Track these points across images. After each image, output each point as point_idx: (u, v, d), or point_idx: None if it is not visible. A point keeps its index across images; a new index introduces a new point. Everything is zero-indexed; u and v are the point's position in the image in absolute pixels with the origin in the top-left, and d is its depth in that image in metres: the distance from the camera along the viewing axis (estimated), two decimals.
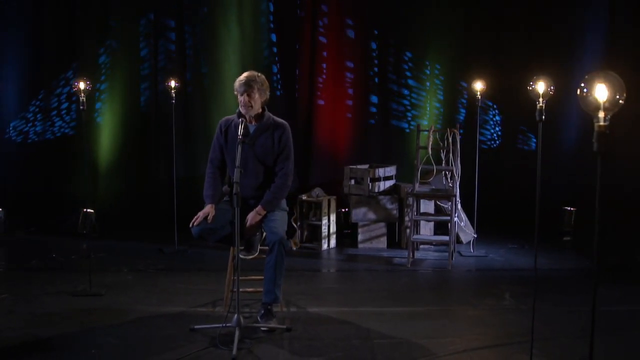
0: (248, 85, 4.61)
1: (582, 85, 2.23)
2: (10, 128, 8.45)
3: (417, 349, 4.20)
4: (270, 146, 4.71)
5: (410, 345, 4.26)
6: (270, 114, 4.78)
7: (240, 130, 4.40)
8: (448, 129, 6.96)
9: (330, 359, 4.02)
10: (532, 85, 3.75)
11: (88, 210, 7.79)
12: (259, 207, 4.67)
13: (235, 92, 4.68)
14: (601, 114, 2.18)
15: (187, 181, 7.98)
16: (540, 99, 3.72)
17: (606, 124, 2.20)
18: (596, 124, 2.21)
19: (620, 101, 2.17)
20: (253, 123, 4.73)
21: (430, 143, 6.91)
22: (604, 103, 2.16)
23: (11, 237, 7.71)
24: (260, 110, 4.73)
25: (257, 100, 4.67)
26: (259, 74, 4.73)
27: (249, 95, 4.62)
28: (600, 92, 2.17)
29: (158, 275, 6.16)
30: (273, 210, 4.70)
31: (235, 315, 4.20)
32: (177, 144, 7.72)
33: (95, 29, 8.42)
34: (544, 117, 3.70)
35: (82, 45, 8.40)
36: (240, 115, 4.69)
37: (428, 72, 8.58)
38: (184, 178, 7.97)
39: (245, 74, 4.69)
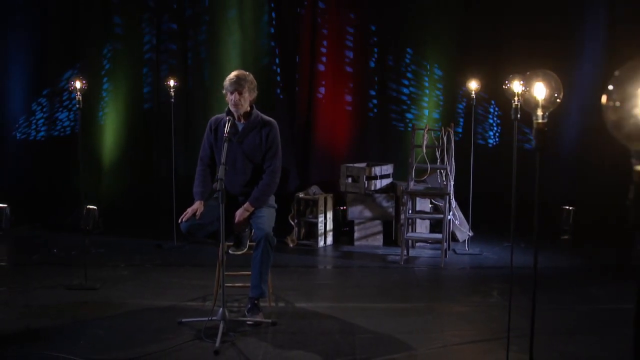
0: (238, 83, 4.71)
1: (522, 83, 2.29)
2: (16, 126, 8.61)
3: (398, 344, 4.27)
4: (258, 144, 4.80)
5: (391, 340, 4.34)
6: (259, 112, 4.87)
7: (226, 129, 4.51)
8: (443, 128, 7.01)
9: (310, 353, 4.11)
10: (507, 84, 3.79)
11: (91, 206, 7.96)
12: (246, 204, 4.76)
13: (225, 91, 4.78)
14: (539, 112, 2.24)
15: (188, 179, 8.08)
16: (516, 98, 3.76)
17: (544, 121, 2.25)
18: (535, 122, 2.27)
19: (558, 100, 2.23)
20: (242, 121, 4.82)
21: (425, 142, 6.97)
22: (542, 101, 2.22)
23: (15, 232, 7.87)
24: (249, 108, 4.83)
25: (247, 98, 4.76)
26: (248, 73, 4.83)
27: (239, 94, 4.71)
28: (539, 90, 2.23)
29: (154, 270, 6.29)
30: (260, 206, 4.79)
31: (221, 309, 4.31)
32: (179, 143, 7.87)
33: (98, 29, 8.56)
34: (519, 115, 3.74)
35: (86, 45, 8.54)
36: (229, 113, 4.79)
37: (427, 70, 8.62)
38: (185, 176, 8.07)
39: (234, 73, 4.79)
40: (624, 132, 1.27)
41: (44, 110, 8.65)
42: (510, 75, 3.87)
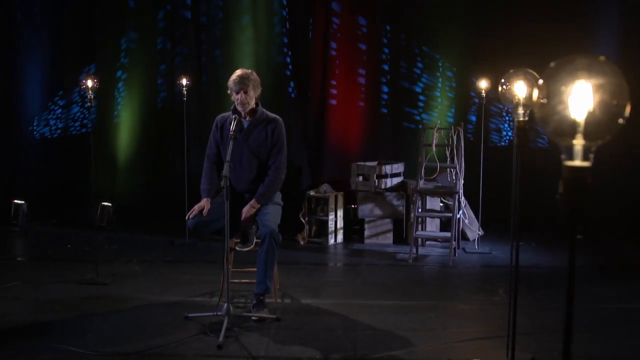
0: (243, 83, 4.79)
1: (503, 81, 2.31)
2: (34, 124, 8.79)
3: (399, 340, 4.31)
4: (264, 140, 4.87)
5: (392, 336, 4.38)
6: (264, 109, 4.94)
7: (232, 127, 4.59)
8: (453, 127, 7.03)
9: (311, 348, 4.16)
10: (505, 85, 3.69)
11: (105, 203, 8.11)
12: (252, 201, 4.83)
13: (230, 91, 4.86)
14: (520, 110, 2.26)
15: (200, 177, 8.18)
16: (516, 98, 3.76)
17: (525, 119, 2.27)
18: (516, 120, 2.29)
19: None
20: (247, 118, 4.90)
21: (435, 141, 6.99)
22: (523, 100, 2.24)
23: (32, 228, 8.04)
24: (254, 105, 4.90)
25: (252, 96, 4.84)
26: (252, 71, 4.90)
27: (245, 92, 4.79)
28: (519, 89, 2.25)
29: (165, 266, 6.38)
30: (266, 203, 4.85)
31: (225, 304, 4.38)
32: (192, 141, 7.97)
33: (114, 28, 8.72)
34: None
35: (101, 45, 8.70)
36: (235, 111, 4.87)
37: (440, 69, 8.63)
38: (198, 174, 8.16)
39: (238, 73, 4.85)
40: (549, 128, 1.30)
41: (61, 108, 8.81)
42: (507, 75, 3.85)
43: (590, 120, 1.26)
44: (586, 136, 1.27)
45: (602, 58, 1.27)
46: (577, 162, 1.29)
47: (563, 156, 1.28)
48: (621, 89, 1.24)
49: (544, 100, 1.26)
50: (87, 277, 5.73)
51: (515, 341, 3.58)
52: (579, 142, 1.27)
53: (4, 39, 8.66)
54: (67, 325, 4.56)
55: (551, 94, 1.27)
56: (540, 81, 1.28)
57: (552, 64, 1.30)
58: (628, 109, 1.27)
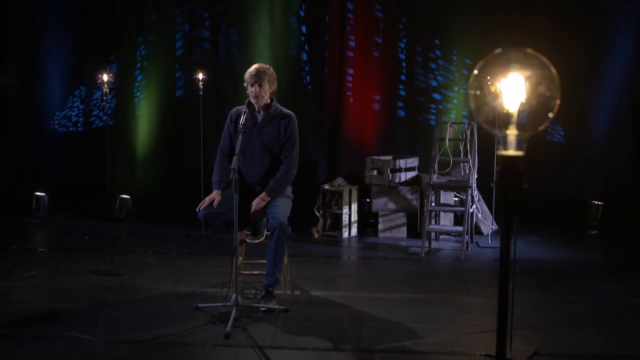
0: (258, 76, 4.86)
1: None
2: (55, 118, 8.95)
3: (404, 332, 4.34)
4: (277, 135, 4.93)
5: (399, 328, 4.41)
6: (278, 105, 5.01)
7: (242, 120, 4.66)
8: (466, 122, 7.03)
9: (317, 339, 4.21)
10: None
11: (124, 196, 8.25)
12: (263, 194, 4.89)
13: (245, 84, 4.93)
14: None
15: None
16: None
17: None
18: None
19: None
20: (261, 113, 4.97)
21: (449, 135, 7.00)
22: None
23: (53, 220, 8.21)
24: (269, 100, 4.97)
25: (267, 90, 4.90)
26: (268, 66, 4.97)
27: (259, 86, 4.86)
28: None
29: (179, 257, 6.48)
30: (277, 196, 4.91)
31: (234, 295, 4.46)
32: (210, 135, 8.06)
33: (133, 23, 8.84)
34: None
35: (121, 39, 8.83)
36: (249, 105, 4.94)
37: (456, 62, 8.60)
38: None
39: (254, 66, 4.93)
40: (482, 118, 1.34)
41: (81, 101, 8.97)
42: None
43: (523, 111, 1.30)
44: (519, 127, 1.31)
45: (529, 50, 1.30)
46: (511, 152, 1.32)
47: (499, 145, 1.32)
48: (552, 81, 1.27)
49: (477, 92, 1.30)
50: (102, 267, 5.85)
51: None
52: (512, 133, 1.31)
53: (26, 32, 8.83)
54: (80, 313, 4.68)
55: (483, 84, 1.31)
56: (475, 72, 1.32)
57: (497, 51, 1.34)
58: (558, 102, 1.30)
